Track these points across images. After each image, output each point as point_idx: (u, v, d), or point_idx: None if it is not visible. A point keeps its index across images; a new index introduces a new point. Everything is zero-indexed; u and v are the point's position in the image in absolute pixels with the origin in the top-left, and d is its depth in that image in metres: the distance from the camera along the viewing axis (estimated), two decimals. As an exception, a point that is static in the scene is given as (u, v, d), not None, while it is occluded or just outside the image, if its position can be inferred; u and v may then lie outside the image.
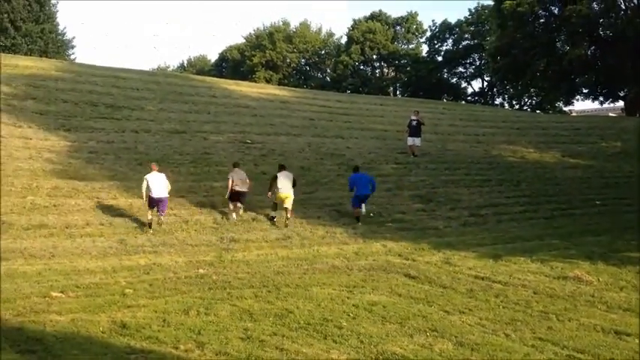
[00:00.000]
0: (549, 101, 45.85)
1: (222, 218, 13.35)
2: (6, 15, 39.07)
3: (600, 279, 10.38)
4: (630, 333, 7.57)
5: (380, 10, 59.25)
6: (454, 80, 58.25)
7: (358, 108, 26.75)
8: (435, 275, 10.54)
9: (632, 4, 32.48)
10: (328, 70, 62.97)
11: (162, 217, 12.45)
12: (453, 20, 56.79)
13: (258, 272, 10.43)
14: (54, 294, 8.42)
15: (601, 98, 37.90)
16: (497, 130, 26.39)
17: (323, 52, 63.53)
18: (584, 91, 37.80)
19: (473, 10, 54.91)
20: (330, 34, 64.59)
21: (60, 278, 9.44)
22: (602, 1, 32.29)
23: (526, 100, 50.77)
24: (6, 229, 11.05)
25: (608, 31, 33.98)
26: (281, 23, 63.16)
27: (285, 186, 13.50)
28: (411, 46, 59.72)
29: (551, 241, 13.79)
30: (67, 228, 11.66)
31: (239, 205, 13.53)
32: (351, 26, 59.37)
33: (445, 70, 57.18)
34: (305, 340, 6.84)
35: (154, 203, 12.26)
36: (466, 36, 55.27)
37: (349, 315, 7.90)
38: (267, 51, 59.35)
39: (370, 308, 8.25)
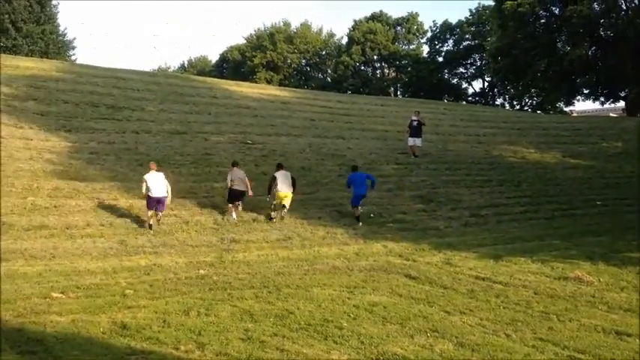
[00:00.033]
0: (550, 102, 45.76)
1: (222, 219, 13.36)
2: (7, 16, 39.08)
3: (601, 279, 10.38)
4: (631, 333, 7.56)
5: (381, 11, 59.42)
6: (455, 81, 58.22)
7: (359, 108, 26.76)
8: (435, 276, 10.55)
9: (633, 5, 32.41)
10: (329, 71, 62.96)
11: (160, 214, 12.46)
12: (453, 21, 56.58)
13: (259, 273, 10.44)
14: (54, 295, 8.43)
15: (602, 99, 37.81)
16: (498, 130, 26.40)
17: (324, 52, 63.50)
18: (585, 91, 37.69)
19: (473, 11, 54.88)
20: (331, 35, 64.62)
21: (60, 279, 9.45)
22: (603, 1, 32.22)
23: (527, 100, 50.74)
24: (6, 230, 11.07)
25: (609, 32, 33.90)
26: (282, 24, 63.27)
27: (284, 185, 13.53)
28: (411, 47, 59.73)
29: (552, 241, 13.79)
30: (67, 229, 11.67)
31: (237, 203, 13.55)
32: (352, 27, 59.43)
33: (446, 70, 57.14)
34: (305, 340, 6.84)
35: (153, 203, 12.27)
36: (467, 36, 55.19)
37: (350, 316, 7.90)
38: (267, 52, 59.32)
39: (371, 309, 8.24)
